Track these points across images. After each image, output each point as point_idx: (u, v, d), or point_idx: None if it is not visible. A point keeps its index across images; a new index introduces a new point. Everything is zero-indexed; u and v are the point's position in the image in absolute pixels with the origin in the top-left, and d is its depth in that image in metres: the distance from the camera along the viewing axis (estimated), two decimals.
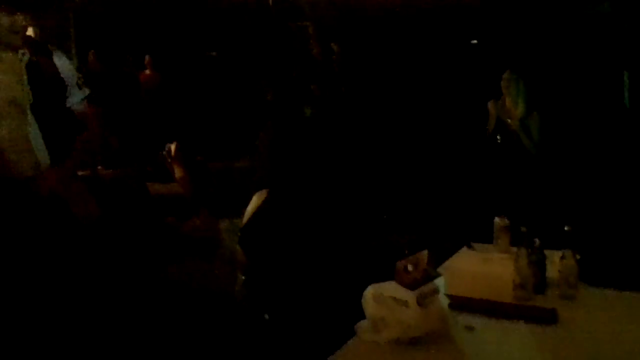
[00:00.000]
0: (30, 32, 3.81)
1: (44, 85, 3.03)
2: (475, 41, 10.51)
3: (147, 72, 9.82)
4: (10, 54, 2.97)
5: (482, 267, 3.24)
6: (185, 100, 9.99)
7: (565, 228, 2.71)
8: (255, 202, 2.89)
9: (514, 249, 3.25)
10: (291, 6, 7.58)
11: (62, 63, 3.17)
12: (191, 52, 12.52)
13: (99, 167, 5.52)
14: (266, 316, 3.08)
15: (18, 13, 2.91)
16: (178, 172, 8.62)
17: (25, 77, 2.99)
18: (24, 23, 2.97)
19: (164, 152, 8.88)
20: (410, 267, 2.44)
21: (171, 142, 8.78)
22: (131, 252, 4.58)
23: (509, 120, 5.01)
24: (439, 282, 2.47)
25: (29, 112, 2.97)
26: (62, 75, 3.12)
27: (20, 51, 3.01)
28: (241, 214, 6.97)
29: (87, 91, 3.25)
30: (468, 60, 9.25)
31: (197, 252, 6.19)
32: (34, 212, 2.93)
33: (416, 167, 6.23)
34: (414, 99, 8.16)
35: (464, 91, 7.99)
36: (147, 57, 9.84)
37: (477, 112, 5.46)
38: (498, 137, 4.80)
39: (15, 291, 2.77)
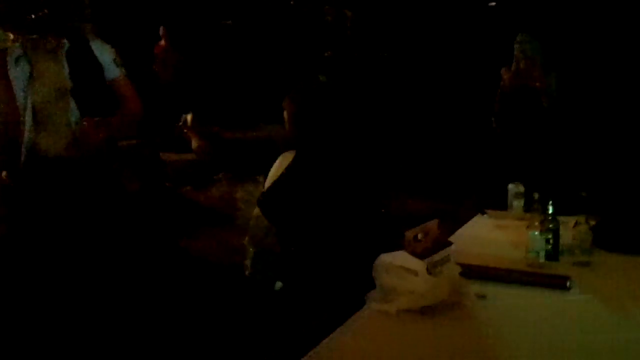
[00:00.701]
0: None
1: (82, 71, 3.26)
2: (493, 3, 10.33)
3: (162, 43, 9.75)
4: (50, 54, 3.25)
5: (496, 234, 3.21)
6: (201, 70, 9.95)
7: (582, 194, 2.66)
8: (280, 164, 2.87)
9: (529, 215, 3.23)
10: None
11: (97, 46, 3.35)
12: (205, 21, 12.45)
13: None
14: (278, 285, 3.08)
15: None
16: (195, 142, 8.69)
17: (66, 64, 3.24)
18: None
19: (180, 123, 8.94)
20: (420, 236, 2.41)
21: (187, 113, 8.83)
22: (147, 220, 4.62)
23: (529, 82, 4.92)
24: (450, 250, 2.44)
25: (70, 96, 3.23)
26: (99, 60, 3.32)
27: (62, 42, 3.26)
28: (256, 182, 6.99)
29: (123, 70, 3.42)
30: (484, 23, 9.09)
31: (213, 221, 6.23)
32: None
33: (430, 133, 6.19)
34: (427, 62, 8.05)
35: (479, 54, 7.87)
36: (161, 28, 9.76)
37: (492, 76, 5.36)
38: (524, 99, 4.70)
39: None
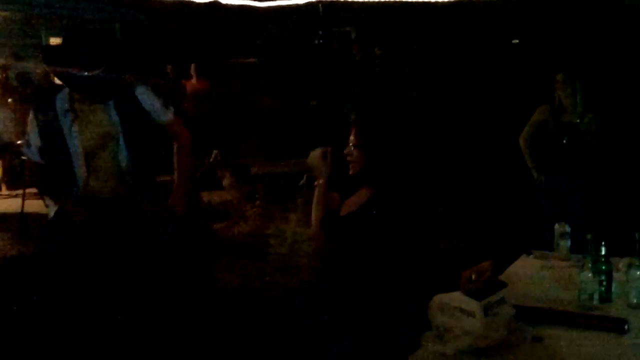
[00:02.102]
0: None
1: (131, 117, 3.48)
2: (516, 41, 10.40)
3: (192, 80, 9.92)
4: (98, 104, 3.45)
5: (544, 275, 3.19)
6: (230, 106, 10.08)
7: (635, 234, 2.65)
8: (360, 196, 2.90)
9: (574, 256, 3.23)
10: (337, 13, 7.60)
11: (143, 93, 3.57)
12: (234, 59, 12.66)
13: None
14: (325, 317, 3.07)
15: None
16: (226, 180, 8.77)
17: (114, 112, 3.47)
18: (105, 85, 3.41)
19: (211, 159, 9.05)
20: (475, 277, 2.42)
21: (217, 149, 8.94)
22: (181, 255, 4.67)
23: (570, 120, 4.95)
24: (504, 292, 2.44)
25: (121, 140, 3.45)
26: (143, 106, 3.53)
27: (108, 100, 3.46)
28: (287, 219, 7.02)
29: (172, 109, 3.69)
30: (510, 60, 9.15)
31: (245, 256, 6.27)
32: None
33: (468, 171, 6.18)
34: (458, 100, 8.09)
35: (510, 91, 7.90)
36: (192, 66, 9.94)
37: (526, 112, 5.38)
38: (564, 139, 4.71)
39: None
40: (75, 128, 3.41)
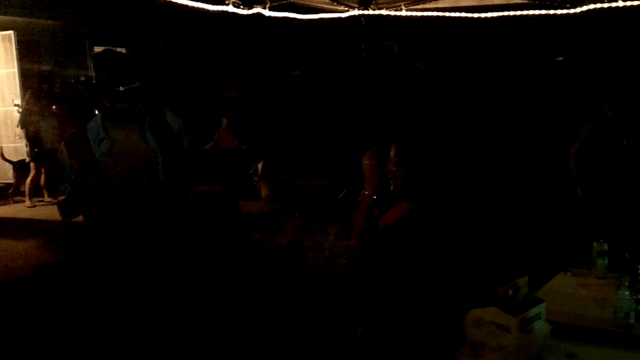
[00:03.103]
0: None
1: (165, 138, 3.55)
2: (561, 58, 10.32)
3: (233, 92, 10.06)
4: (132, 125, 3.48)
5: (580, 293, 3.18)
6: (270, 119, 10.18)
7: None
8: (399, 209, 2.93)
9: (611, 275, 3.20)
10: (380, 27, 7.64)
11: (171, 118, 3.64)
12: (274, 71, 12.78)
13: None
14: (360, 330, 3.10)
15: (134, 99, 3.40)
16: (264, 191, 8.85)
17: (149, 134, 3.51)
18: (139, 105, 3.46)
19: (251, 171, 9.14)
20: (511, 292, 2.43)
21: (257, 162, 9.04)
22: (221, 265, 4.74)
23: (618, 139, 4.91)
24: (541, 308, 2.45)
25: (156, 163, 3.50)
26: (173, 129, 3.62)
27: (142, 122, 3.50)
28: (325, 231, 7.05)
29: (186, 140, 3.72)
30: (554, 77, 9.08)
31: (282, 268, 6.32)
32: None
33: (510, 186, 6.14)
34: (499, 115, 8.05)
35: (552, 108, 7.84)
36: (233, 78, 10.08)
37: (570, 128, 5.34)
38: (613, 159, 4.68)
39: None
40: (113, 157, 3.45)
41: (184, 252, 3.66)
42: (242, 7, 3.22)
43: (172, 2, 2.80)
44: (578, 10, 3.84)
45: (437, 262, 2.78)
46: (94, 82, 3.52)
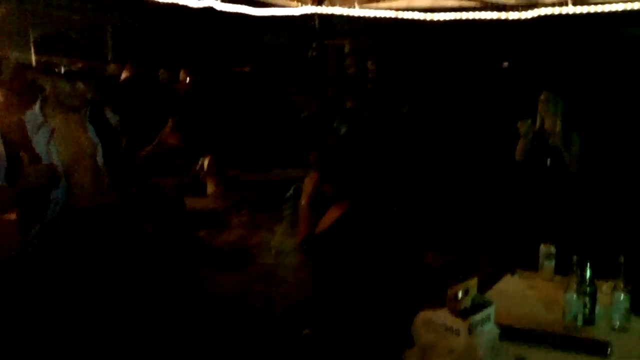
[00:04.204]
0: None
1: (104, 131, 3.56)
2: (506, 64, 10.47)
3: (182, 85, 9.90)
4: (73, 114, 3.47)
5: (528, 294, 3.20)
6: (220, 114, 10.05)
7: (620, 258, 2.67)
8: (333, 212, 2.91)
9: (559, 277, 3.24)
10: (332, 27, 7.61)
11: (110, 115, 3.70)
12: (224, 67, 12.65)
13: None
14: (306, 332, 3.07)
15: (78, 80, 3.30)
16: (210, 187, 8.73)
17: (90, 126, 3.52)
18: (82, 88, 3.44)
19: (197, 167, 8.99)
20: (460, 295, 2.42)
21: (205, 157, 8.89)
22: (166, 260, 4.66)
23: (550, 140, 4.95)
24: (490, 310, 2.44)
25: (98, 155, 3.49)
26: (110, 122, 3.68)
27: (83, 111, 3.51)
28: (271, 230, 6.99)
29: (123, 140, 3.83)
30: (500, 80, 9.20)
31: (227, 265, 6.24)
32: None
33: (455, 188, 6.19)
34: (448, 117, 8.11)
35: (500, 111, 7.93)
36: (182, 71, 9.92)
37: (511, 133, 5.40)
38: (548, 160, 4.72)
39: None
40: (53, 143, 3.35)
41: (125, 249, 3.58)
42: None
43: None
44: (529, 15, 3.89)
45: (376, 262, 2.77)
46: (34, 64, 3.44)
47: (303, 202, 3.12)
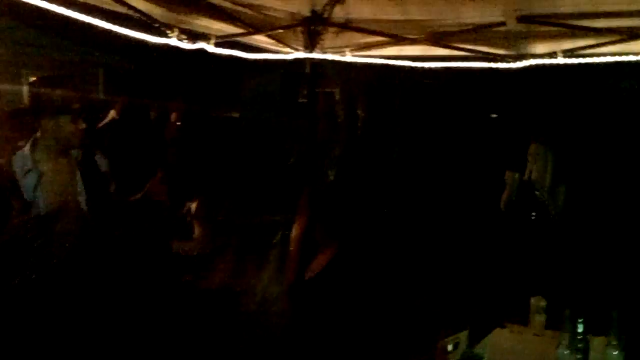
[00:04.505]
0: None
1: (93, 179, 3.53)
2: (495, 115, 10.58)
3: (172, 128, 9.89)
4: (63, 159, 3.48)
5: (519, 350, 3.14)
6: (208, 157, 10.03)
7: (612, 312, 2.63)
8: (321, 259, 2.88)
9: (549, 332, 3.18)
10: (322, 73, 7.65)
11: (100, 160, 3.79)
12: (214, 110, 12.69)
13: None
14: None
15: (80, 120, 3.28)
16: (197, 230, 8.63)
17: (78, 175, 3.49)
18: (82, 126, 3.44)
19: (184, 210, 8.90)
20: (451, 347, 2.36)
21: (192, 200, 8.82)
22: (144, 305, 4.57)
23: (537, 192, 4.94)
24: None
25: (83, 201, 3.45)
26: (102, 169, 3.78)
27: (74, 152, 3.51)
28: (259, 275, 6.90)
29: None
30: (489, 129, 9.26)
31: (214, 310, 6.12)
32: None
33: (441, 236, 6.14)
34: (437, 165, 8.13)
35: (488, 159, 7.95)
36: (173, 114, 9.92)
37: (499, 182, 5.40)
38: (533, 214, 4.70)
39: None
40: (40, 190, 3.29)
41: (107, 294, 3.49)
42: (186, 40, 3.15)
43: (114, 32, 2.70)
44: (520, 65, 3.92)
45: (366, 307, 2.71)
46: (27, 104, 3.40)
47: (291, 247, 3.08)
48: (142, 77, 11.91)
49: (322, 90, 8.92)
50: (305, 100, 7.85)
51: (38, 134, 3.35)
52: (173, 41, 3.06)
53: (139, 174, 5.86)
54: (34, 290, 3.32)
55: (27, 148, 3.36)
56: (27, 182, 3.28)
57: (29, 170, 3.30)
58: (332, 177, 7.02)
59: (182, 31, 3.04)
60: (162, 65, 11.50)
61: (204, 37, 3.41)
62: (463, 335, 2.42)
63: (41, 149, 3.34)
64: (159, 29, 3.01)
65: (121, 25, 2.74)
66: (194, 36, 3.24)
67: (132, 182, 3.98)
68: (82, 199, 3.41)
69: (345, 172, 7.03)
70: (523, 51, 3.89)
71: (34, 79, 3.37)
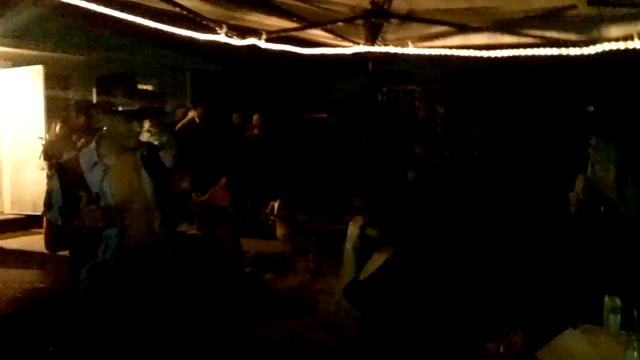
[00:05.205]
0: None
1: (156, 171, 3.52)
2: (592, 108, 10.11)
3: (255, 130, 10.01)
4: (127, 155, 3.45)
5: (590, 353, 2.93)
6: (292, 159, 10.11)
7: None
8: (377, 258, 2.81)
9: (625, 333, 2.95)
10: (391, 72, 7.55)
11: (165, 156, 3.66)
12: (298, 113, 12.79)
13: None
14: None
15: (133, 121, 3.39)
16: (279, 230, 8.72)
17: (143, 170, 3.47)
18: (138, 129, 3.47)
19: (267, 210, 9.01)
20: (502, 350, 2.23)
21: (275, 200, 8.91)
22: (217, 307, 4.58)
23: (602, 188, 4.58)
24: None
25: (150, 194, 3.45)
26: (166, 165, 3.65)
27: (137, 152, 3.48)
28: (337, 275, 6.85)
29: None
30: (583, 126, 8.84)
31: (290, 310, 6.13)
32: None
33: (521, 237, 5.88)
34: (521, 163, 7.82)
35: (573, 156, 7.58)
36: (255, 116, 10.04)
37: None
38: (601, 207, 4.38)
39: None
40: (106, 183, 3.36)
41: (177, 293, 3.52)
42: (235, 37, 3.13)
43: (162, 30, 2.71)
44: (592, 51, 3.68)
45: (421, 312, 2.61)
46: (94, 102, 3.46)
47: (348, 246, 3.01)
48: (229, 80, 12.15)
49: (402, 88, 8.81)
50: (384, 98, 7.78)
51: (104, 131, 3.43)
52: (222, 37, 3.05)
53: (217, 172, 5.94)
54: (105, 279, 3.39)
55: (93, 144, 3.45)
56: (93, 176, 3.37)
57: (95, 164, 3.38)
58: (411, 177, 6.88)
59: (231, 27, 3.02)
60: (250, 69, 11.72)
61: (255, 32, 3.38)
62: (518, 338, 2.28)
63: (106, 145, 3.42)
64: (208, 26, 3.01)
65: (170, 24, 2.75)
66: (243, 32, 3.22)
67: (210, 178, 4.01)
68: (148, 194, 3.46)
69: (425, 172, 6.86)
70: (595, 35, 3.65)
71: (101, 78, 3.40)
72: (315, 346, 5.19)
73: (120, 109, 3.28)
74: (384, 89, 7.41)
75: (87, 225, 3.25)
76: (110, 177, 3.39)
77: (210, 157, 7.78)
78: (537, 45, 3.80)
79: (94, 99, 3.54)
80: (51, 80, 10.27)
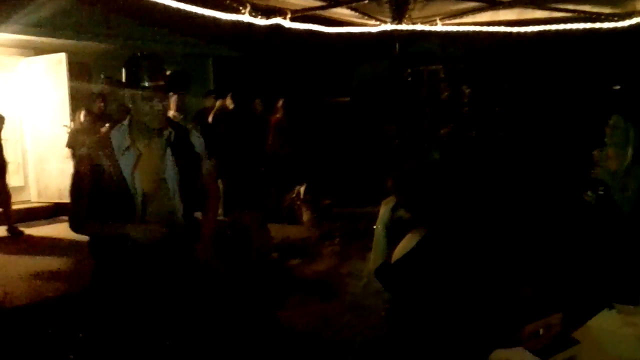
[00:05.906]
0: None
1: (185, 158, 3.36)
2: (618, 87, 9.90)
3: (278, 115, 9.95)
4: (156, 140, 3.30)
5: (626, 334, 2.86)
6: (315, 144, 10.05)
7: None
8: (409, 239, 2.75)
9: None
10: (415, 52, 7.44)
11: (196, 139, 3.47)
12: (323, 97, 12.70)
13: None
14: None
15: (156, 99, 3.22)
16: (306, 215, 8.69)
17: (169, 153, 3.31)
18: (160, 107, 3.26)
19: (293, 195, 8.99)
20: (541, 331, 2.17)
21: (300, 185, 8.89)
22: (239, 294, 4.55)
23: (600, 173, 4.40)
24: (575, 350, 2.17)
25: (174, 183, 3.31)
26: (196, 150, 3.44)
27: (166, 132, 3.32)
28: (364, 258, 6.82)
29: (213, 161, 3.60)
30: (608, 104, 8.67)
31: (318, 294, 6.10)
32: None
33: (550, 213, 5.79)
34: (544, 142, 7.69)
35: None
36: (279, 101, 9.98)
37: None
38: (601, 189, 4.20)
39: None
40: (137, 171, 3.26)
41: (196, 280, 3.46)
42: (260, 17, 3.06)
43: (185, 10, 2.65)
44: (626, 24, 3.56)
45: (453, 294, 2.55)
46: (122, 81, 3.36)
47: (379, 227, 2.94)
48: (250, 66, 12.10)
49: (427, 69, 8.70)
50: (409, 79, 7.68)
51: (132, 114, 3.33)
52: (246, 17, 2.98)
53: (239, 158, 5.91)
54: (131, 265, 3.35)
55: (125, 124, 3.34)
56: (125, 161, 3.26)
57: (127, 148, 3.28)
58: (437, 156, 6.80)
59: (254, 7, 2.94)
60: (271, 55, 11.65)
61: (280, 12, 3.31)
62: (555, 319, 2.22)
63: (136, 128, 3.32)
64: (231, 6, 2.94)
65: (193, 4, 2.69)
66: (267, 12, 3.14)
67: (231, 164, 3.95)
68: (172, 183, 3.36)
69: (450, 152, 6.78)
70: (631, 8, 3.53)
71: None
72: (344, 330, 5.16)
73: (147, 84, 3.20)
74: (409, 70, 7.31)
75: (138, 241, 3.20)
76: (141, 164, 3.31)
77: (234, 144, 7.74)
78: (569, 20, 3.68)
79: (123, 78, 3.43)
80: (74, 68, 10.28)
